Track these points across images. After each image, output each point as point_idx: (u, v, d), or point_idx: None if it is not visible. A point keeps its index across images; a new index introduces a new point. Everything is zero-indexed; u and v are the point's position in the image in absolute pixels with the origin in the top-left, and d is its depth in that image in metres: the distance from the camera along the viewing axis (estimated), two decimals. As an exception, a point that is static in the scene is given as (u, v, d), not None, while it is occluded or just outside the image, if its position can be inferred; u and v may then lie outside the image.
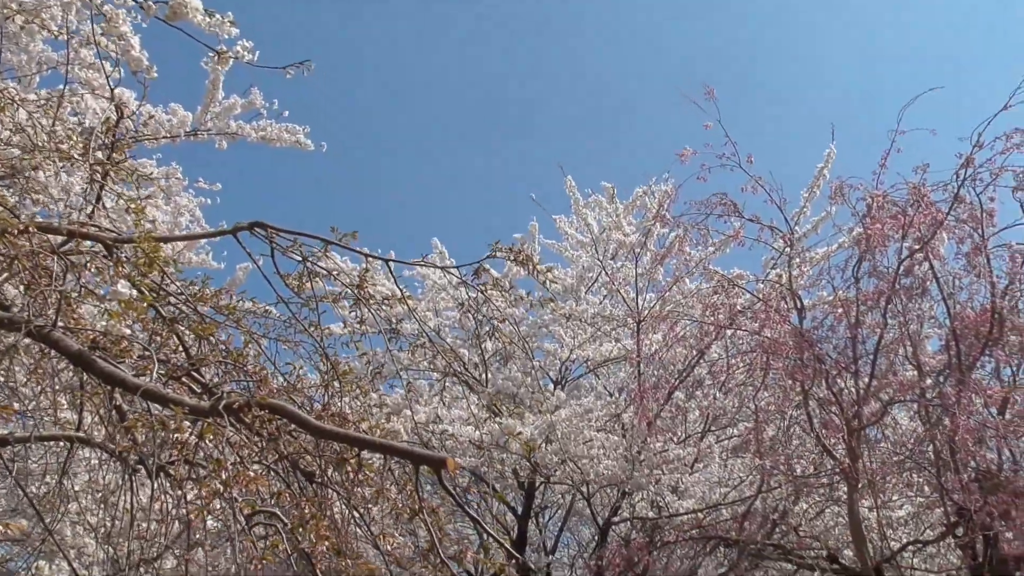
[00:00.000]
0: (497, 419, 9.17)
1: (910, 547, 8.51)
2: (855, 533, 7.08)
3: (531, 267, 4.10)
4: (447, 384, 13.11)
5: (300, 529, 2.64)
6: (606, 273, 10.11)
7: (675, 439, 10.10)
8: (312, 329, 4.27)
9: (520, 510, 13.31)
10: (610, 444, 9.85)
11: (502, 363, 12.59)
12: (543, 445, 9.25)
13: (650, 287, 10.09)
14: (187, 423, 2.95)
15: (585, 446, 9.96)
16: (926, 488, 8.00)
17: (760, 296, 7.78)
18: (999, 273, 7.36)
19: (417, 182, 30.35)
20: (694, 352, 9.27)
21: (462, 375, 11.93)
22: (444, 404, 11.45)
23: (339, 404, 4.31)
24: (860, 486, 7.24)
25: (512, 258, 4.13)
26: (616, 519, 11.03)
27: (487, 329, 5.31)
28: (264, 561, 2.69)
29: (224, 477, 2.68)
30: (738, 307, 7.77)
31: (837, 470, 7.38)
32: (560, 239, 11.48)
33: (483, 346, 12.55)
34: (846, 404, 7.23)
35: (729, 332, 8.28)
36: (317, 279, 4.35)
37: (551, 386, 12.73)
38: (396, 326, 4.67)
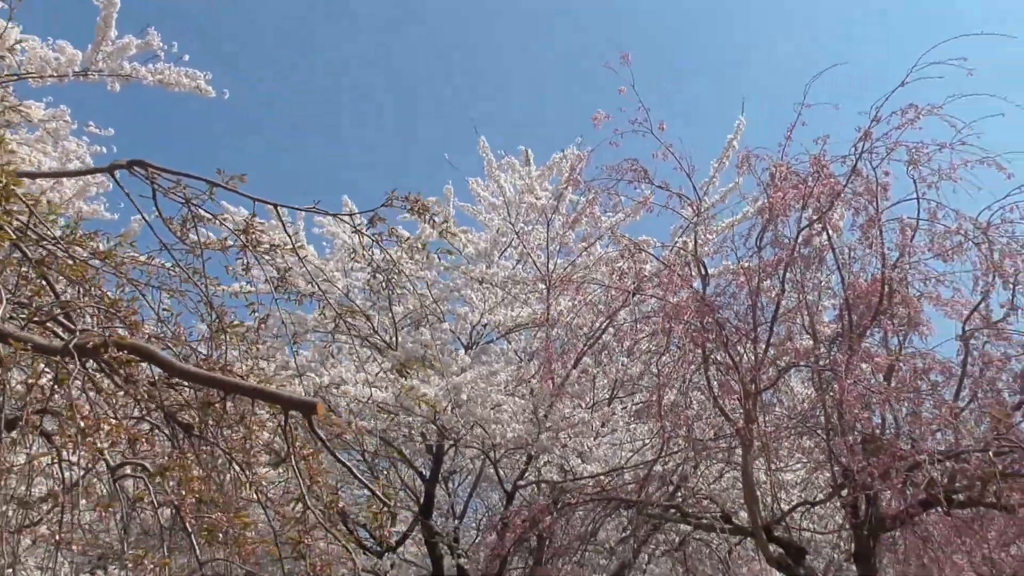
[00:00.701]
0: (402, 381, 9.06)
1: (800, 507, 8.86)
2: (748, 494, 7.31)
3: (427, 217, 3.99)
4: (357, 347, 12.90)
5: (160, 478, 2.48)
6: (518, 237, 10.06)
7: (582, 403, 10.21)
8: (197, 277, 4.06)
9: (428, 474, 13.28)
10: (517, 408, 9.90)
11: (414, 327, 12.43)
12: (449, 408, 9.20)
13: (561, 252, 10.11)
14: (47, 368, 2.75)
15: (492, 410, 9.97)
16: (816, 451, 8.32)
17: (665, 263, 7.87)
18: (890, 246, 7.64)
19: (331, 141, 29.60)
20: (602, 317, 9.36)
21: (355, 330, 11.72)
22: (355, 366, 11.24)
23: (225, 356, 4.13)
24: (754, 448, 7.46)
25: (409, 208, 4.00)
26: (522, 483, 11.13)
27: (381, 280, 5.14)
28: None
29: (82, 425, 2.50)
30: (644, 273, 7.85)
31: (733, 433, 7.59)
32: (475, 202, 11.39)
33: (393, 309, 12.39)
34: (743, 369, 7.41)
35: (636, 298, 8.37)
36: (203, 225, 4.13)
37: (461, 350, 12.68)
38: (284, 275, 4.46)
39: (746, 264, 7.87)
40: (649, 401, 8.43)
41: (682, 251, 8.28)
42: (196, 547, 2.82)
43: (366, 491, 16.06)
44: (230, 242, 4.11)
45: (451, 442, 11.66)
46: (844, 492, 8.11)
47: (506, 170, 10.47)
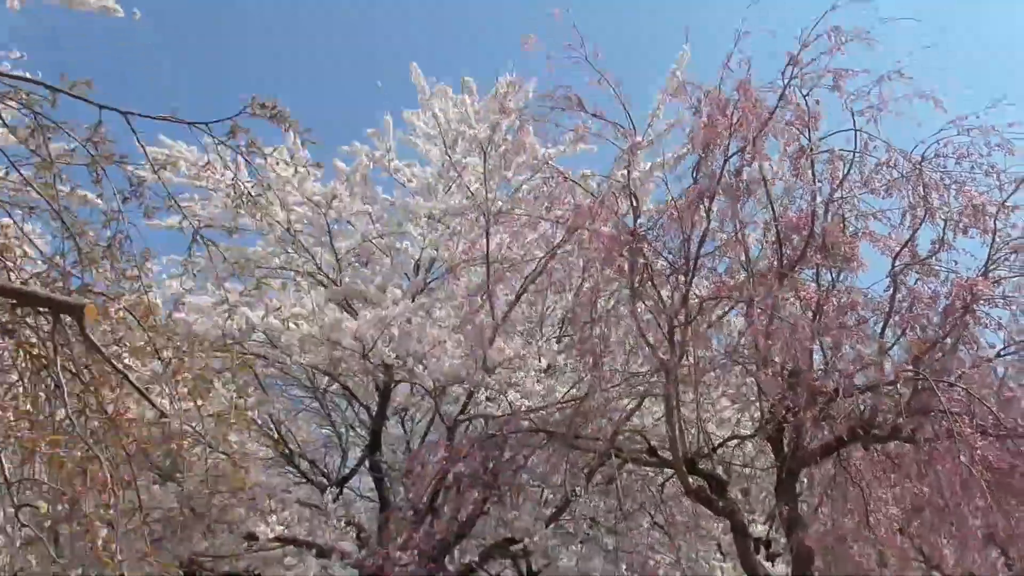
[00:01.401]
0: (327, 314, 8.90)
1: (730, 442, 8.89)
2: (670, 425, 7.27)
3: (287, 126, 3.74)
4: (297, 282, 12.68)
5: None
6: (455, 169, 9.81)
7: (520, 338, 10.13)
8: (45, 189, 3.81)
9: (375, 411, 13.23)
10: (455, 343, 9.79)
11: (362, 264, 12.20)
12: (382, 342, 9.05)
13: (501, 186, 9.88)
14: None
15: (431, 346, 9.86)
16: (745, 388, 8.30)
17: (594, 193, 7.69)
18: (824, 179, 7.50)
19: (265, 67, 28.49)
20: (542, 252, 9.22)
21: (295, 264, 11.53)
22: (291, 302, 11.04)
23: (84, 275, 3.93)
24: (680, 380, 7.41)
25: (268, 115, 3.75)
26: (463, 418, 11.10)
27: (241, 196, 4.92)
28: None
29: None
30: (574, 204, 7.66)
31: (659, 366, 7.52)
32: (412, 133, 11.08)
33: (335, 245, 12.15)
34: (671, 302, 7.32)
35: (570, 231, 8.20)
36: (52, 135, 3.87)
37: (405, 286, 12.53)
38: (138, 186, 4.20)
39: (679, 196, 7.70)
40: (581, 334, 8.33)
41: (616, 183, 8.08)
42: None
43: (318, 427, 16.03)
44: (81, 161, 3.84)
45: (392, 378, 11.59)
46: (770, 427, 8.12)
47: (440, 98, 10.13)
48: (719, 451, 8.85)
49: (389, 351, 9.18)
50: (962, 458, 5.68)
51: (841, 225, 8.05)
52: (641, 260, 7.39)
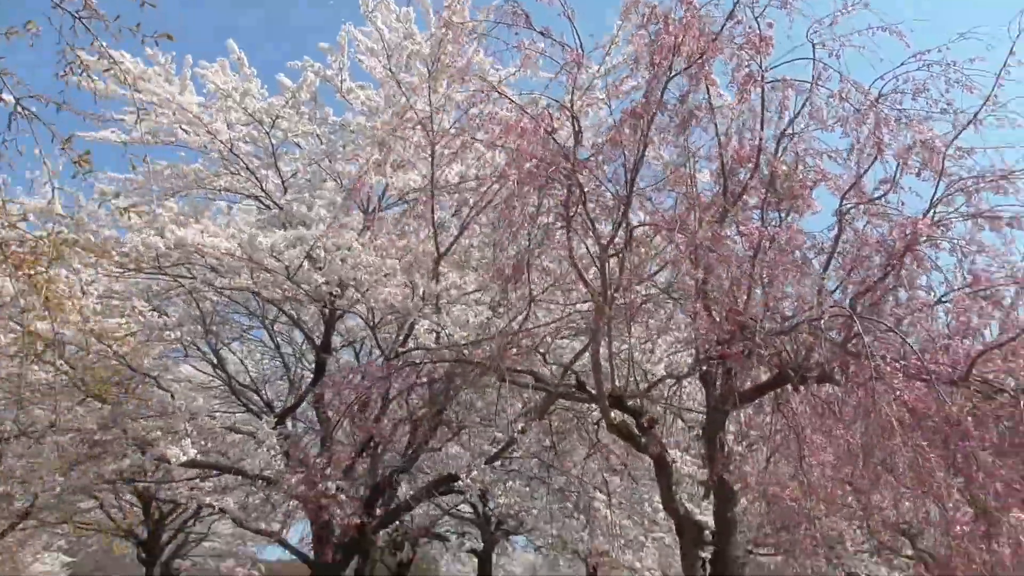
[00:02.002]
0: (248, 232, 8.50)
1: (666, 380, 8.67)
2: (593, 358, 7.01)
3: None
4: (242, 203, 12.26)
5: None
6: (399, 87, 9.33)
7: (461, 268, 9.82)
8: None
9: (320, 341, 12.95)
10: (390, 270, 9.45)
11: (311, 188, 11.74)
12: (309, 265, 8.69)
13: (447, 105, 9.42)
14: None
15: (367, 273, 9.52)
16: (683, 326, 8.05)
17: (531, 113, 7.27)
18: (771, 107, 7.13)
19: None
20: (488, 177, 8.84)
21: (243, 189, 11.11)
22: (225, 223, 10.64)
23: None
24: (612, 315, 7.12)
25: None
26: (402, 349, 10.84)
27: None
28: None
29: None
30: (507, 121, 7.25)
31: (590, 297, 7.23)
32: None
33: (279, 166, 11.71)
34: (604, 231, 6.99)
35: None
36: None
37: (356, 212, 12.14)
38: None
39: (620, 121, 7.31)
40: (516, 264, 8.01)
41: (561, 105, 7.66)
42: None
43: (268, 360, 15.72)
44: None
45: (333, 307, 11.27)
46: (703, 366, 7.90)
47: (382, 10, 9.59)
48: (657, 390, 8.63)
49: (318, 276, 8.82)
50: (882, 402, 5.44)
51: (795, 164, 7.74)
52: (576, 187, 7.02)
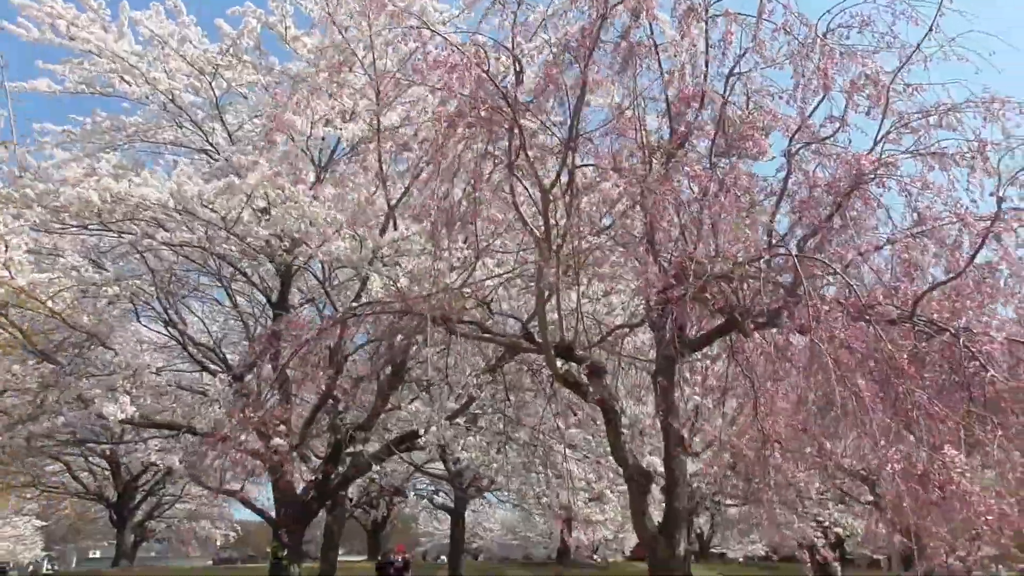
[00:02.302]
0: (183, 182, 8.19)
1: (618, 330, 8.55)
2: (539, 307, 6.84)
3: None
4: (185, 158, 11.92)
5: None
6: (337, 29, 8.98)
7: (412, 220, 9.57)
8: None
9: (276, 298, 12.72)
10: (333, 221, 9.19)
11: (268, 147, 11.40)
12: (250, 217, 8.42)
13: (389, 47, 9.08)
14: None
15: (317, 226, 9.25)
16: (631, 273, 7.89)
17: (464, 52, 6.97)
18: (716, 45, 6.90)
19: None
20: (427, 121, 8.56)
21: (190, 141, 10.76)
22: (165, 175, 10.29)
23: None
24: (553, 258, 6.93)
25: None
26: (356, 304, 10.64)
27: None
28: None
29: None
30: (439, 60, 6.94)
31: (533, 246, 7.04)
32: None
33: (224, 118, 11.34)
34: (545, 173, 6.78)
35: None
36: None
37: (311, 167, 11.83)
38: None
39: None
40: (463, 214, 7.78)
41: (500, 45, 7.36)
42: None
43: (230, 320, 15.45)
44: None
45: (284, 262, 11.02)
46: (654, 314, 7.76)
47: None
48: (613, 339, 8.51)
49: (262, 228, 8.55)
50: (822, 344, 5.32)
51: (745, 104, 7.54)
52: (518, 130, 6.77)
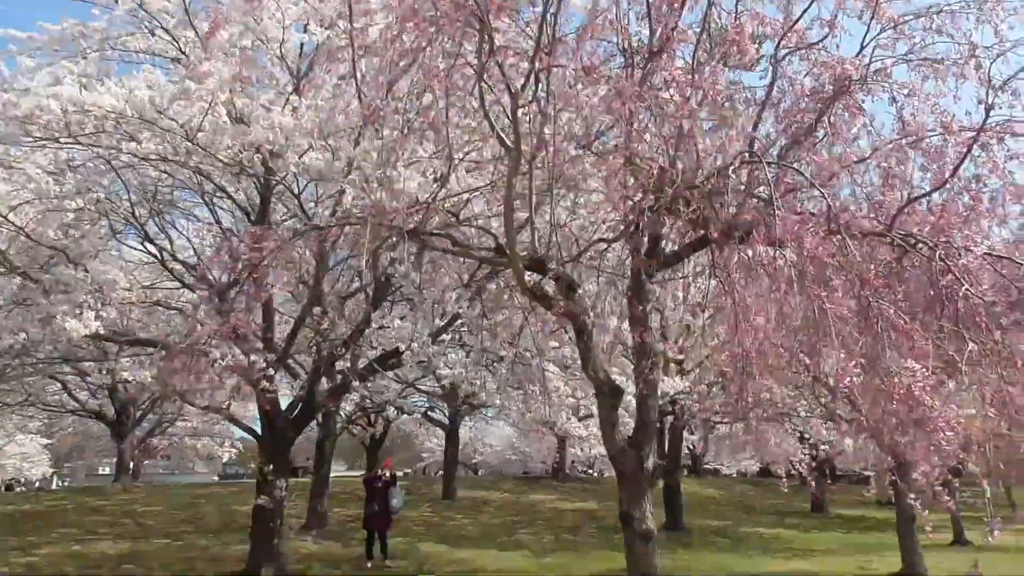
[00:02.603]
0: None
1: (596, 245, 8.33)
2: (506, 216, 6.62)
3: None
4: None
5: None
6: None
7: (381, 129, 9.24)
8: None
9: (255, 215, 12.49)
10: (308, 133, 8.87)
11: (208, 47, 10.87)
12: (209, 122, 8.07)
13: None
14: None
15: (287, 137, 8.94)
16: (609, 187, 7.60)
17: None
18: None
19: None
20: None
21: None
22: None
23: None
24: (520, 163, 6.66)
25: None
26: (335, 220, 10.41)
27: None
28: None
29: None
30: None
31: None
32: None
33: (195, 24, 10.84)
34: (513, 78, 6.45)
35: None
36: None
37: (288, 77, 11.42)
38: None
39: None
40: (430, 120, 7.47)
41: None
42: None
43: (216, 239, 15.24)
44: None
45: (261, 176, 10.74)
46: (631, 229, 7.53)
47: None
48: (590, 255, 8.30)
49: (228, 139, 8.25)
50: (792, 258, 5.12)
51: (735, 9, 7.13)
52: (487, 31, 6.40)
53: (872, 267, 5.06)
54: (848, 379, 4.63)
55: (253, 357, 9.50)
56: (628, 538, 6.93)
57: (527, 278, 6.88)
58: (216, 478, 47.71)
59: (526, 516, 22.72)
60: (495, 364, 14.69)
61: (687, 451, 36.92)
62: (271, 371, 10.03)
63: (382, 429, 28.19)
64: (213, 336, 7.25)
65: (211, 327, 7.24)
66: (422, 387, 21.55)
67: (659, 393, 16.24)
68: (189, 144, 8.12)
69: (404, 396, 22.92)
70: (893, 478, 7.73)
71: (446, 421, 25.41)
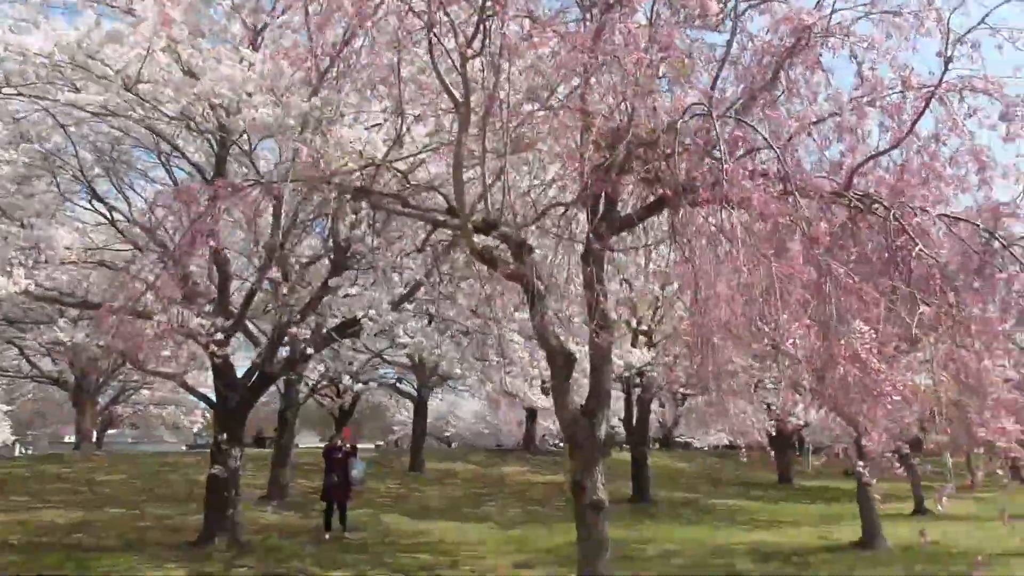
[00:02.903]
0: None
1: (551, 209, 8.09)
2: (455, 174, 6.35)
3: None
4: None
5: None
6: None
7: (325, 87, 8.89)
8: None
9: (212, 174, 12.09)
10: (255, 86, 8.49)
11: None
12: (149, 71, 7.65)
13: None
14: None
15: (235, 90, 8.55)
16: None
17: None
18: None
19: None
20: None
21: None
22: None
23: None
24: (469, 117, 6.39)
25: None
26: (292, 180, 10.06)
27: None
28: None
29: None
30: None
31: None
32: None
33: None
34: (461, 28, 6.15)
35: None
36: None
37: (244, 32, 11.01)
38: None
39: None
40: (382, 75, 7.17)
41: None
42: None
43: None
44: None
45: (215, 133, 10.35)
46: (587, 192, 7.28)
47: None
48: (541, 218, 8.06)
49: (170, 90, 7.85)
50: (735, 214, 4.91)
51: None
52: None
53: (824, 226, 4.86)
54: (791, 341, 4.45)
55: (204, 320, 9.18)
56: (579, 508, 6.77)
57: (476, 240, 6.61)
58: (185, 448, 47.29)
59: (494, 488, 22.67)
60: (461, 335, 14.48)
61: (658, 424, 37.10)
62: (219, 335, 9.71)
63: (351, 400, 27.94)
64: (156, 295, 6.93)
65: (146, 285, 6.93)
66: (389, 358, 21.32)
67: (629, 365, 16.03)
68: (130, 95, 7.71)
69: (371, 367, 22.68)
70: (844, 447, 7.62)
71: (415, 393, 25.21)
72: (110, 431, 39.41)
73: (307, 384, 20.70)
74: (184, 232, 7.22)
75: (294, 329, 11.64)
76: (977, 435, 4.64)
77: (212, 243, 8.29)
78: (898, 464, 5.15)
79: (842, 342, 4.44)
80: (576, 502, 6.83)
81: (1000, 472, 4.54)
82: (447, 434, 48.29)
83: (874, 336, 4.38)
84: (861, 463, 5.00)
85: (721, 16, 7.30)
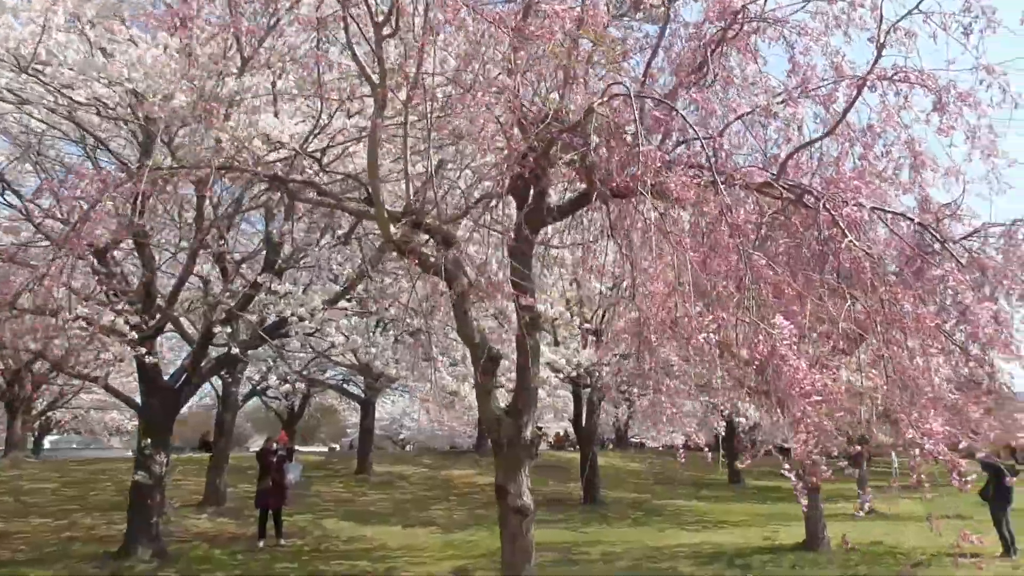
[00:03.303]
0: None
1: (482, 201, 7.75)
2: (371, 163, 5.97)
3: None
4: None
5: None
6: None
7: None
8: None
9: (136, 165, 11.52)
10: (173, 74, 8.02)
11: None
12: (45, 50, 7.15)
13: None
14: None
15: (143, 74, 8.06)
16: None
17: None
18: None
19: None
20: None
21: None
22: None
23: None
24: (392, 106, 6.04)
25: None
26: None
27: None
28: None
29: None
30: None
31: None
32: None
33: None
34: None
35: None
36: None
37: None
38: None
39: None
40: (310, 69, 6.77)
41: None
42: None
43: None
44: None
45: (140, 124, 9.82)
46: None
47: None
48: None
49: (72, 72, 7.35)
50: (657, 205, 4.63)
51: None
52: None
53: (741, 213, 4.61)
54: (703, 336, 4.19)
55: (129, 318, 8.66)
56: (502, 513, 6.45)
57: (394, 231, 6.23)
58: (131, 453, 45.91)
59: (442, 491, 22.23)
60: (407, 335, 14.07)
61: (612, 424, 37.01)
62: (134, 335, 9.18)
63: (299, 403, 27.30)
64: (68, 289, 6.44)
65: (42, 276, 6.46)
66: (336, 358, 20.78)
67: (578, 365, 15.69)
68: (28, 76, 7.19)
69: (317, 368, 22.09)
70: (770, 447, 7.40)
71: (361, 394, 24.66)
72: (53, 437, 38.02)
73: (252, 386, 20.10)
74: (74, 224, 6.73)
75: (218, 329, 11.15)
76: (906, 436, 4.42)
77: (110, 234, 7.78)
78: (824, 468, 4.89)
79: (760, 337, 4.19)
80: (499, 507, 6.50)
81: (924, 477, 4.31)
82: (401, 436, 47.64)
83: (794, 332, 4.13)
84: (787, 466, 4.75)
85: (659, 6, 7.07)
